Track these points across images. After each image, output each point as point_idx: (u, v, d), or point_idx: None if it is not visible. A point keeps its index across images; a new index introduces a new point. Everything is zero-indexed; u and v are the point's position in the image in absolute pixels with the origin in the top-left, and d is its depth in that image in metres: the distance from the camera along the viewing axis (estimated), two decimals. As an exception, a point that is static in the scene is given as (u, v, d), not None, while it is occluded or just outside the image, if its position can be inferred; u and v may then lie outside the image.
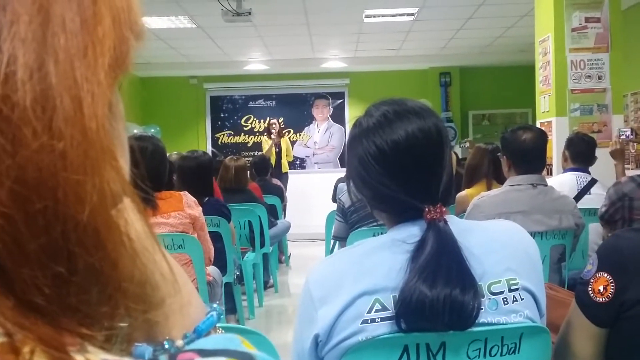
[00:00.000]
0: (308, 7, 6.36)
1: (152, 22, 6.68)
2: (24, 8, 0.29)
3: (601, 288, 1.09)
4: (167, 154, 5.24)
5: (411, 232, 1.06)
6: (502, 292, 1.04)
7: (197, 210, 2.87)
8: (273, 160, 8.19)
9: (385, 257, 1.05)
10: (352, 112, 10.04)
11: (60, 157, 0.29)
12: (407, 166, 1.08)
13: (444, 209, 1.07)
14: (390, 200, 1.09)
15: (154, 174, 2.64)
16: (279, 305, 5.02)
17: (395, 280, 1.01)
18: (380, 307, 1.01)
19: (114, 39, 0.32)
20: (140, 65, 9.37)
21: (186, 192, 2.89)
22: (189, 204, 2.84)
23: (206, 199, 3.62)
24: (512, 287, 1.05)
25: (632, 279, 1.07)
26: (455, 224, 1.08)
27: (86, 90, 0.30)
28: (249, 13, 5.73)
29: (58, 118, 0.29)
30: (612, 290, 1.08)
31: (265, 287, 5.31)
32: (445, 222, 1.06)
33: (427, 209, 1.06)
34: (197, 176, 3.60)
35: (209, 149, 10.03)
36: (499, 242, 1.09)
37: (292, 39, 7.93)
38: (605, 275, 1.10)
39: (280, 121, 9.24)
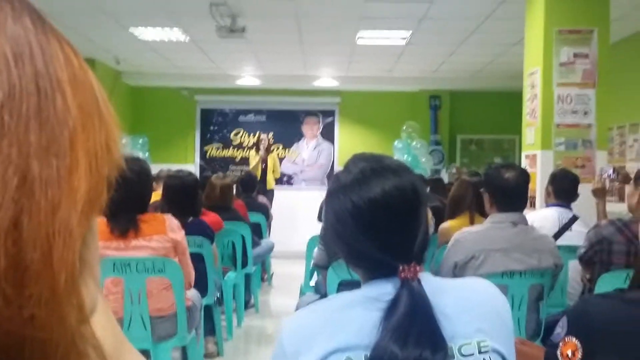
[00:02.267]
0: (302, 26, 6.38)
1: (146, 33, 6.67)
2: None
3: (569, 352, 1.09)
4: (159, 169, 5.33)
5: (385, 290, 1.07)
6: (472, 355, 1.04)
7: (180, 234, 2.85)
8: (259, 175, 8.25)
9: (358, 313, 1.05)
10: (343, 131, 10.07)
11: (29, 320, 0.29)
12: (382, 223, 1.09)
13: (417, 268, 1.08)
14: (365, 257, 1.10)
15: (138, 196, 2.65)
16: (259, 326, 4.98)
17: (367, 338, 1.02)
18: None
19: (89, 182, 0.32)
20: (131, 74, 9.35)
21: (170, 215, 2.88)
22: (171, 228, 2.82)
23: (190, 218, 3.63)
24: (483, 349, 1.05)
25: (599, 345, 1.07)
26: (429, 283, 1.08)
27: (57, 244, 0.31)
28: (243, 30, 5.71)
29: (29, 278, 0.30)
30: (580, 355, 1.08)
31: (247, 307, 5.28)
32: (419, 281, 1.07)
33: (401, 268, 1.07)
34: (182, 196, 3.62)
35: (197, 162, 10.00)
36: (471, 301, 1.10)
37: (285, 56, 7.92)
38: (574, 339, 1.10)
39: (269, 136, 9.37)
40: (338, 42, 7.06)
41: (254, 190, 6.39)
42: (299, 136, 10.13)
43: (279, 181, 9.48)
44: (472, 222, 3.28)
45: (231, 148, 10.12)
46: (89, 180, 0.32)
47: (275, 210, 7.72)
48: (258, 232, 5.73)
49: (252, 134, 10.00)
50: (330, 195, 1.16)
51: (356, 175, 1.13)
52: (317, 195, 8.56)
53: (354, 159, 1.20)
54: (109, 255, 2.66)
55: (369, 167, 1.14)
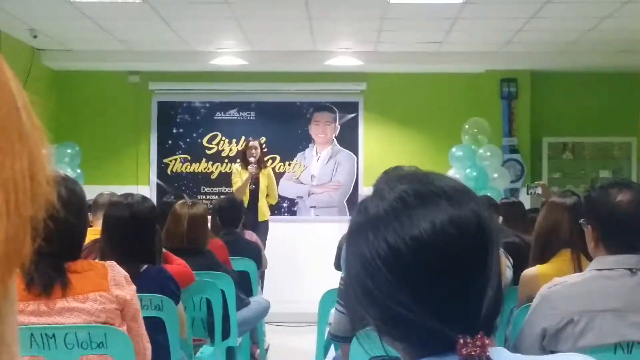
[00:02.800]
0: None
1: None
2: None
3: None
4: (97, 194, 5.30)
5: None
6: None
7: (129, 291, 2.87)
8: (247, 201, 8.33)
9: None
10: (370, 133, 10.12)
11: None
12: (433, 276, 1.12)
13: (486, 341, 1.10)
14: (408, 325, 1.13)
15: (66, 235, 2.67)
16: None
17: None
18: None
19: (5, 229, 0.34)
20: (54, 53, 9.46)
21: (113, 263, 2.90)
22: (116, 281, 2.83)
23: (144, 267, 3.66)
24: None
25: None
26: None
27: None
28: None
29: None
30: None
31: (229, 398, 5.33)
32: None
33: (462, 341, 1.09)
34: (132, 233, 3.65)
35: (153, 182, 10.08)
36: None
37: (284, 24, 8.02)
38: None
39: (261, 143, 9.24)
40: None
41: (238, 224, 6.48)
42: (305, 142, 10.18)
43: (276, 209, 9.51)
44: (577, 268, 3.30)
45: (204, 161, 10.12)
46: (5, 226, 0.34)
47: (271, 252, 7.76)
48: (245, 286, 5.78)
49: (235, 140, 10.05)
50: (354, 233, 1.20)
51: (392, 202, 1.17)
52: (333, 231, 8.66)
53: (388, 177, 1.25)
54: (24, 323, 2.66)
55: (411, 191, 1.17)
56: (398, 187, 1.19)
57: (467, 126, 9.38)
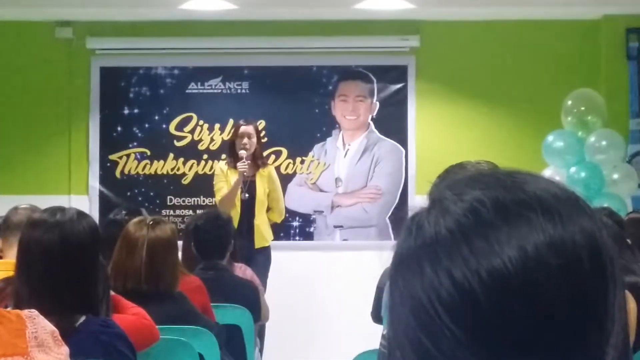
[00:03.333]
0: None
1: None
2: None
3: None
4: (9, 208, 5.44)
5: None
6: None
7: (58, 355, 2.85)
8: (237, 218, 8.54)
9: None
10: (424, 113, 10.27)
11: None
12: (523, 330, 1.13)
13: None
14: None
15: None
16: None
17: None
18: None
19: None
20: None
21: (35, 314, 2.89)
22: (39, 341, 2.81)
23: (82, 318, 3.68)
24: None
25: None
26: None
27: None
28: None
29: None
30: None
31: None
32: None
33: None
34: (63, 267, 3.68)
35: (94, 189, 10.23)
36: None
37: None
38: None
39: (259, 129, 9.39)
40: None
41: (225, 253, 6.60)
42: (325, 128, 10.32)
43: (282, 230, 9.76)
44: None
45: (172, 157, 10.28)
46: None
47: (274, 296, 7.88)
48: (236, 346, 5.83)
49: (218, 125, 10.22)
50: (402, 265, 1.23)
51: (461, 218, 1.18)
52: (369, 263, 8.36)
53: (452, 180, 1.28)
54: None
55: (489, 200, 1.18)
56: (469, 194, 1.20)
57: (570, 102, 9.36)
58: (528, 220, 1.14)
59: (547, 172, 8.77)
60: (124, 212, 7.89)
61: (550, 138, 9.31)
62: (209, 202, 9.47)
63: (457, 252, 1.15)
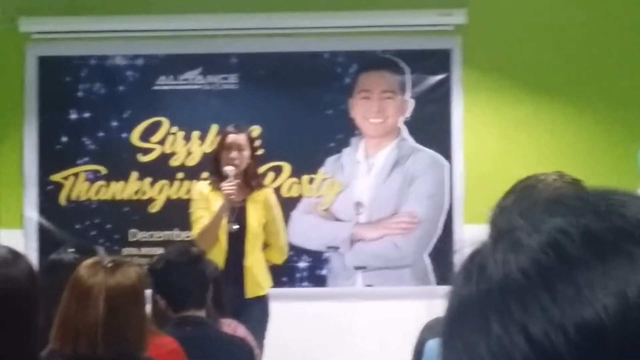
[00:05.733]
0: None
1: None
2: None
3: None
4: None
5: None
6: None
7: None
8: (222, 256, 8.05)
9: None
10: (475, 113, 9.43)
11: None
12: None
13: None
14: None
15: None
16: None
17: None
18: None
19: None
20: None
21: None
22: None
23: None
24: None
25: None
26: None
27: None
28: None
29: None
30: None
31: None
32: None
33: None
34: None
35: (31, 221, 9.58)
36: None
37: None
38: None
39: (252, 137, 8.69)
40: None
41: (204, 302, 6.17)
42: (341, 134, 9.54)
43: (284, 274, 9.09)
44: None
45: (135, 176, 9.51)
46: None
47: (273, 359, 7.55)
48: None
49: (198, 133, 9.57)
50: (458, 319, 1.08)
51: (538, 255, 1.02)
52: (402, 315, 8.39)
53: (524, 203, 1.18)
54: None
55: (576, 231, 1.02)
56: (548, 223, 1.04)
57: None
58: (629, 256, 0.97)
59: (645, 189, 7.80)
60: (71, 250, 6.72)
61: (651, 145, 8.94)
62: (186, 237, 8.70)
63: (534, 301, 1.00)
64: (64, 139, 9.39)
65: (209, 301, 6.16)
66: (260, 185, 8.33)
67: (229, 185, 7.84)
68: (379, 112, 9.31)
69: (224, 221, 8.06)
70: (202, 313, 5.98)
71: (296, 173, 9.30)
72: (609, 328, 0.94)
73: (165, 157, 9.35)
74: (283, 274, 8.86)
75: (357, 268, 9.25)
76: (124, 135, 9.37)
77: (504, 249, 1.03)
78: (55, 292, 4.63)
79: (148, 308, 5.35)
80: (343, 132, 9.34)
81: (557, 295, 0.98)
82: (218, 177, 8.02)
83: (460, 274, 1.06)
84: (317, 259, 9.30)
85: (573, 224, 1.01)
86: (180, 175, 9.31)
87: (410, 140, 9.31)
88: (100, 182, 9.39)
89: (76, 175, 9.37)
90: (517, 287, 0.99)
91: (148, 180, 9.35)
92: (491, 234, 1.07)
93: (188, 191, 8.99)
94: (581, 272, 0.97)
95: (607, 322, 0.94)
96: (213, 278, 6.57)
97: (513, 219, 1.06)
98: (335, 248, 9.28)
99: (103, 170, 9.36)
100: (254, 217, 8.10)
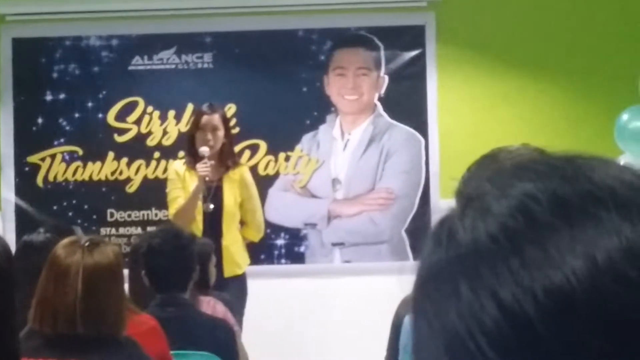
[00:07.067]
0: None
1: None
2: None
3: None
4: None
5: None
6: None
7: None
8: (198, 230, 8.26)
9: None
10: (449, 89, 9.57)
11: None
12: None
13: None
14: None
15: None
16: None
17: None
18: None
19: None
20: None
21: None
22: None
23: None
24: None
25: None
26: None
27: None
28: None
29: None
30: None
31: None
32: None
33: None
34: None
35: (8, 202, 9.71)
36: None
37: None
38: None
39: (227, 117, 8.89)
40: None
41: (187, 283, 6.30)
42: (317, 112, 9.69)
43: (262, 251, 9.30)
44: None
45: (112, 156, 9.65)
46: None
47: (253, 336, 7.54)
48: None
49: (174, 112, 9.65)
50: (429, 287, 1.10)
51: (507, 220, 1.03)
52: (379, 291, 8.16)
53: (493, 170, 1.18)
54: None
55: (544, 195, 1.03)
56: (516, 188, 1.04)
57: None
58: (597, 219, 0.97)
59: (622, 161, 7.79)
60: (46, 232, 7.09)
61: (624, 117, 8.87)
62: (163, 217, 8.95)
63: (503, 266, 1.00)
64: (40, 120, 9.56)
65: (192, 282, 6.29)
66: (236, 164, 8.52)
67: (203, 166, 8.02)
68: (354, 88, 9.51)
69: (200, 201, 8.26)
70: (185, 294, 6.12)
71: (272, 151, 9.49)
72: (578, 291, 0.97)
73: (141, 137, 9.52)
74: (261, 252, 9.07)
75: (335, 244, 9.44)
76: (100, 115, 9.53)
77: (472, 215, 1.05)
78: (28, 274, 4.77)
79: (126, 287, 5.40)
80: (318, 109, 9.53)
81: (525, 259, 1.00)
82: (193, 157, 8.21)
83: (430, 240, 1.09)
84: (295, 236, 9.50)
85: (541, 188, 1.03)
86: (156, 154, 9.49)
87: (386, 117, 9.50)
88: (77, 163, 9.55)
89: (53, 156, 9.53)
90: (486, 252, 1.02)
91: (125, 160, 9.50)
92: (459, 201, 1.10)
93: (165, 171, 9.13)
94: (550, 236, 0.99)
95: (576, 285, 0.97)
96: (205, 253, 6.84)
97: (481, 185, 1.08)
98: (313, 225, 9.46)
99: (79, 151, 9.54)
100: (230, 196, 8.29)
